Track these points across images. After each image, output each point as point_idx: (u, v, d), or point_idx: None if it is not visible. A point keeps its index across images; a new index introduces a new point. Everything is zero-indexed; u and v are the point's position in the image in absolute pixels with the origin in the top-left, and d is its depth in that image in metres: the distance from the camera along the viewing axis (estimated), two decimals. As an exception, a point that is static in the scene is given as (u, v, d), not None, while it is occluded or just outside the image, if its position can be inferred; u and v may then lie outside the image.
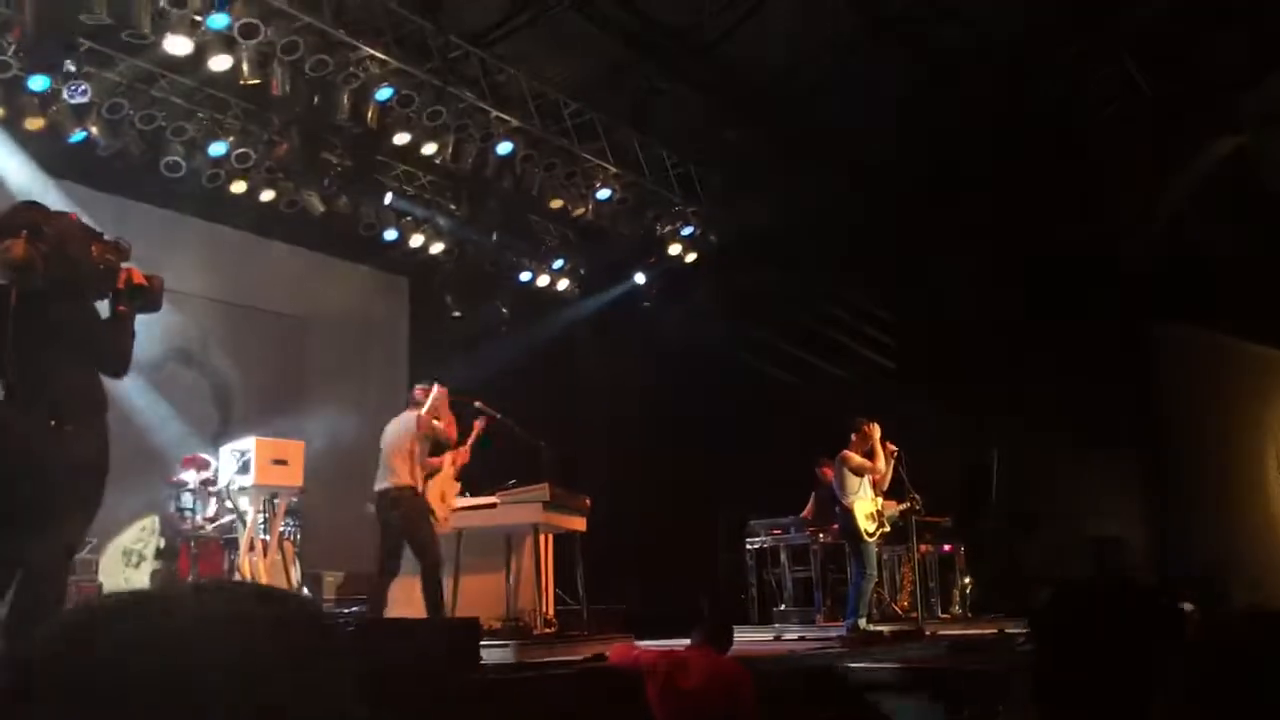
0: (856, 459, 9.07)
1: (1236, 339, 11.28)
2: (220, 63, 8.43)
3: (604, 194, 11.19)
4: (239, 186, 10.03)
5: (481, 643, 6.15)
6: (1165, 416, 10.71)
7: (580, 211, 11.22)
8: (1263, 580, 10.59)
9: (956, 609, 11.42)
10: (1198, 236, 10.86)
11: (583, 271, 12.86)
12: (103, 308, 4.24)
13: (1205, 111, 10.52)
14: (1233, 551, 10.37)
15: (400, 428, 7.50)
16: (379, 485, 7.43)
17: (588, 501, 8.32)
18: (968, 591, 11.52)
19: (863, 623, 8.83)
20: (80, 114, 8.82)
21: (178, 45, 8.11)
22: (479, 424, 7.88)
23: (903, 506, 9.33)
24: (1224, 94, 10.35)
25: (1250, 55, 9.92)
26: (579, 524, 8.26)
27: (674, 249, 12.22)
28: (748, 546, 11.67)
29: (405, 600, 7.32)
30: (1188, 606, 7.41)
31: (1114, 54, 10.34)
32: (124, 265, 4.16)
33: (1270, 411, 11.74)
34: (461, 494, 8.18)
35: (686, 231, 12.02)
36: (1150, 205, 10.77)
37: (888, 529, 9.20)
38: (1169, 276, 10.65)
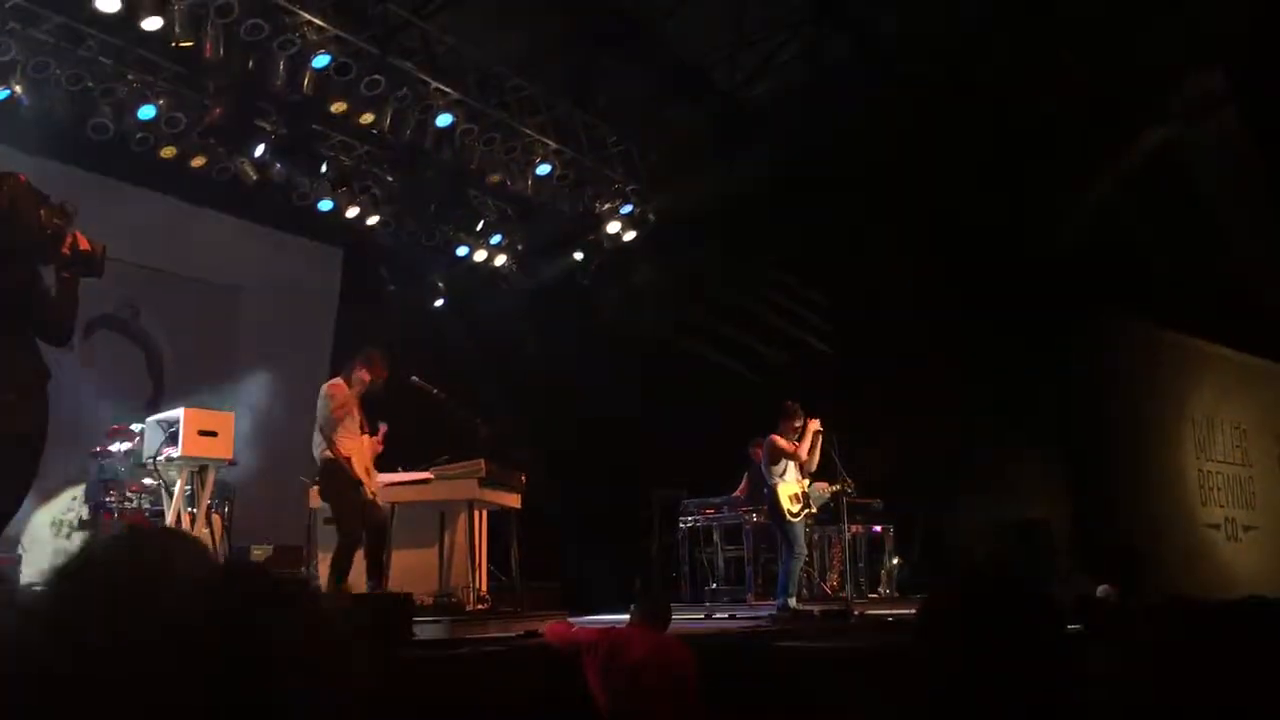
0: (781, 442, 9.16)
1: (1159, 327, 11.55)
2: (151, 23, 8.20)
3: (544, 170, 11.11)
4: (169, 151, 9.79)
5: (414, 618, 6.11)
6: (1091, 401, 10.95)
7: (519, 187, 11.13)
8: (1179, 564, 10.90)
9: (884, 589, 11.60)
10: (1125, 226, 11.09)
11: (520, 248, 12.77)
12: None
13: (1136, 103, 10.72)
14: (1151, 535, 10.65)
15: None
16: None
17: (523, 478, 8.29)
18: (895, 572, 11.70)
19: (793, 602, 8.93)
20: (4, 72, 8.53)
21: (107, 3, 7.87)
22: (383, 429, 7.74)
23: (834, 488, 9.43)
24: (1155, 86, 10.55)
25: (1181, 49, 10.11)
26: (514, 500, 8.23)
27: (613, 227, 12.19)
28: (680, 525, 11.73)
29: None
30: (1104, 589, 7.56)
31: (1050, 44, 10.47)
32: (70, 230, 4.04)
33: (1189, 399, 12.05)
34: (395, 469, 8.10)
35: (626, 210, 11.99)
36: (1081, 195, 10.97)
37: (813, 510, 9.31)
38: (1097, 265, 10.87)
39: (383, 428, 7.74)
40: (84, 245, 4.05)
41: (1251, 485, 12.63)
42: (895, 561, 11.73)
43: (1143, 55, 10.22)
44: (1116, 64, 10.34)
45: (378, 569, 7.19)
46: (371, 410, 7.76)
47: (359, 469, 7.28)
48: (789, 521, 9.00)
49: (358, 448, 7.34)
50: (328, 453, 7.22)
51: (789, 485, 9.07)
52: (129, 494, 8.32)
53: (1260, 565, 12.15)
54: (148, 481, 8.03)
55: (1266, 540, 12.58)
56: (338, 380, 7.42)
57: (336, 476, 7.21)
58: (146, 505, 7.97)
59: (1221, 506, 12.10)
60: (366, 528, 7.15)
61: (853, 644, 6.42)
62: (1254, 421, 12.88)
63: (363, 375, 7.39)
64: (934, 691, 1.68)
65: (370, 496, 7.33)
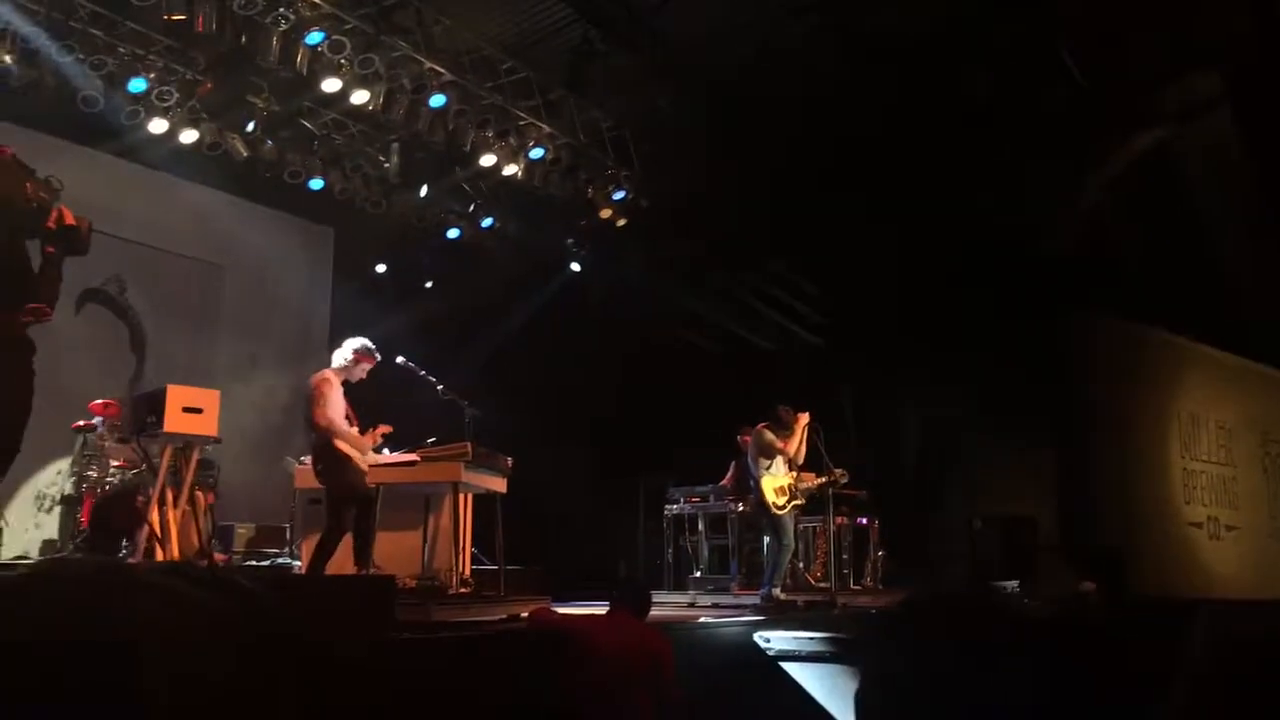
0: (770, 436, 9.17)
1: (1146, 325, 11.56)
2: (144, -5, 8.14)
3: (537, 153, 11.07)
4: (159, 125, 9.72)
5: (396, 601, 6.08)
6: (1079, 399, 10.95)
7: (512, 170, 11.09)
8: (1162, 562, 10.94)
9: (868, 581, 11.62)
10: (1116, 225, 11.09)
11: (511, 231, 12.73)
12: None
13: (1129, 104, 10.70)
14: (1134, 533, 10.68)
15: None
16: None
17: (509, 462, 8.25)
18: (880, 564, 11.72)
19: (777, 592, 8.94)
20: (-7, 43, 8.46)
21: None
22: (382, 429, 7.67)
23: (821, 480, 9.42)
24: (1147, 87, 10.53)
25: (1176, 50, 10.09)
26: (500, 484, 8.19)
27: (604, 213, 12.15)
28: (666, 513, 11.72)
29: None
30: (1087, 585, 7.61)
31: (1045, 42, 10.43)
32: (55, 205, 4.01)
33: (1175, 398, 12.07)
34: (380, 450, 8.06)
35: (618, 196, 11.96)
36: (1073, 194, 10.96)
37: (801, 501, 9.30)
38: (1087, 263, 10.87)
39: (383, 427, 7.65)
40: (69, 220, 4.01)
41: (1235, 485, 12.67)
42: (880, 554, 11.75)
43: (1137, 56, 10.20)
44: (1111, 64, 10.32)
45: (366, 552, 7.14)
46: (361, 391, 7.72)
47: (355, 455, 7.23)
48: (775, 514, 9.01)
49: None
50: (319, 439, 7.17)
51: (775, 478, 9.07)
52: (113, 469, 8.28)
53: (1241, 565, 12.20)
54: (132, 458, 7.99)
55: (1248, 540, 12.64)
56: (326, 372, 7.35)
57: (332, 460, 7.15)
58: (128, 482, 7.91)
59: (1205, 505, 12.13)
60: (357, 509, 7.10)
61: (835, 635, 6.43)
62: (1238, 422, 12.91)
63: (354, 368, 7.35)
64: (867, 694, 1.69)
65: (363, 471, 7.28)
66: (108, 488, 8.14)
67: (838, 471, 9.39)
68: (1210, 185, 10.99)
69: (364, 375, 7.43)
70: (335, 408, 7.17)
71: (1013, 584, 9.05)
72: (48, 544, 8.31)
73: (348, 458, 7.15)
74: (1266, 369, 13.07)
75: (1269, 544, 12.91)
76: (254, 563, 9.34)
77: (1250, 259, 11.27)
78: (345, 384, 7.33)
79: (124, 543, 7.68)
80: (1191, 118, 10.71)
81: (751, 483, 9.28)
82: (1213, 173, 10.91)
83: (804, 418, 9.25)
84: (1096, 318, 10.81)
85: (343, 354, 7.41)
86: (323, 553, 6.93)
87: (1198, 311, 11.35)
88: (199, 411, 7.10)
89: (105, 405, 8.39)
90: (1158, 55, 10.11)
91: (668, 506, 11.71)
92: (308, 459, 7.93)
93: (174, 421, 6.97)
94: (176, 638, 0.87)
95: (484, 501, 8.49)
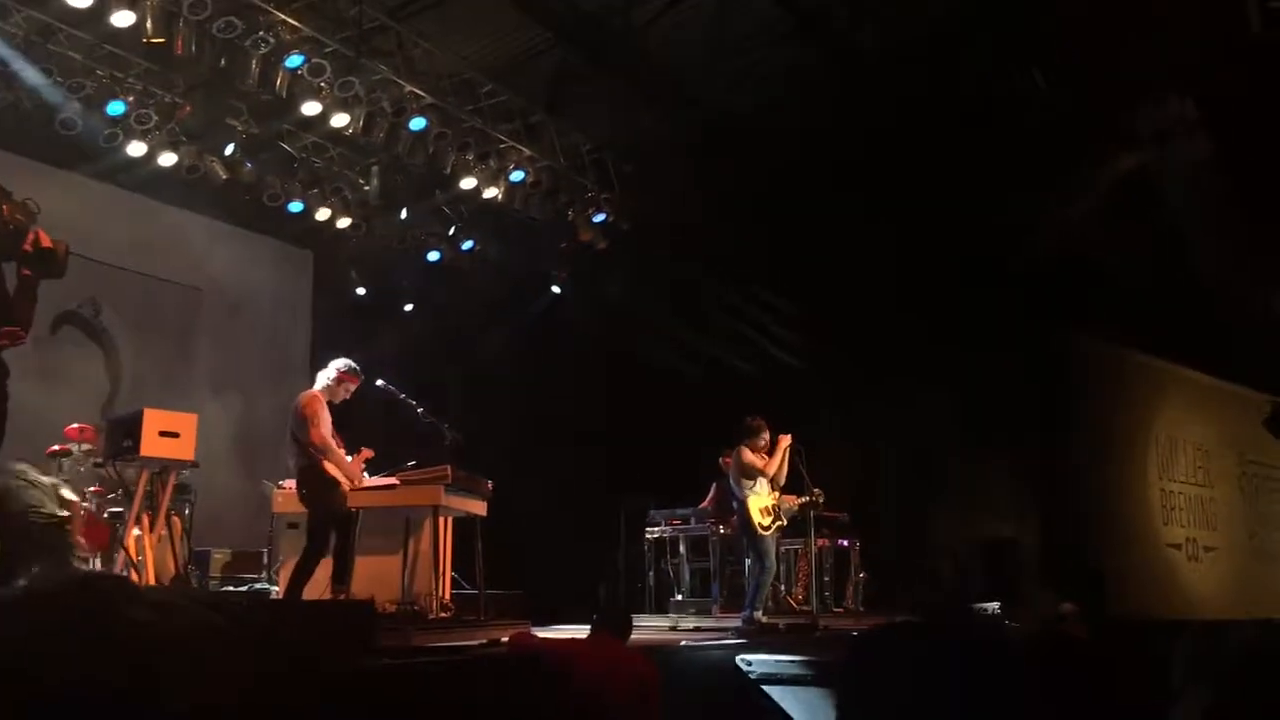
0: (750, 456, 9.12)
1: (1125, 348, 11.64)
2: (123, 18, 8.12)
3: (517, 176, 11.08)
4: (137, 148, 9.69)
5: (376, 626, 6.03)
6: (1059, 420, 11.01)
7: (493, 193, 11.10)
8: (1141, 583, 10.98)
9: (850, 603, 11.59)
10: (1095, 246, 11.16)
11: (492, 253, 12.73)
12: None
13: (1109, 125, 10.78)
14: (1114, 554, 10.72)
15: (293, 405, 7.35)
16: None
17: (489, 485, 8.22)
18: (862, 586, 11.70)
19: (759, 615, 8.90)
20: (-30, 64, 8.43)
21: (79, -2, 7.78)
22: (366, 453, 7.68)
23: (802, 500, 9.41)
24: (1126, 109, 10.61)
25: (1154, 73, 10.18)
26: (480, 508, 8.16)
27: (585, 235, 12.17)
28: (647, 535, 11.67)
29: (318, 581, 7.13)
30: (1067, 607, 7.60)
31: (1022, 62, 10.50)
32: (32, 227, 3.98)
33: (1153, 419, 12.15)
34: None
35: (599, 218, 11.98)
36: (1054, 213, 11.02)
37: (784, 523, 9.27)
38: (1067, 284, 10.93)
39: (366, 452, 7.66)
40: (46, 243, 3.99)
41: (1213, 506, 12.76)
42: (862, 576, 11.73)
43: (1117, 77, 10.28)
44: (1090, 85, 10.40)
45: (345, 574, 7.11)
46: (340, 414, 7.70)
47: (341, 476, 7.22)
48: (759, 535, 8.96)
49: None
50: (306, 461, 7.15)
51: (760, 498, 9.02)
52: (89, 495, 8.18)
53: (1220, 586, 12.27)
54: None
55: (1226, 560, 12.71)
56: (314, 391, 7.35)
57: (318, 482, 7.12)
58: (104, 507, 7.82)
59: (1183, 526, 12.20)
60: (337, 532, 7.09)
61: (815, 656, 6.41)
62: (1215, 442, 13.01)
63: (338, 388, 7.37)
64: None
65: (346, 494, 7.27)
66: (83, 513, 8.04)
67: (816, 491, 9.37)
68: (1189, 203, 11.07)
69: (348, 395, 7.45)
70: (328, 428, 7.17)
71: (994, 605, 9.06)
72: (21, 569, 8.20)
73: (335, 480, 7.13)
74: (1242, 389, 13.18)
75: (1247, 563, 12.99)
76: (231, 588, 9.25)
77: (1228, 280, 11.35)
78: (329, 405, 7.32)
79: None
80: (1169, 140, 10.79)
81: (735, 504, 9.25)
82: (1191, 191, 10.99)
83: (785, 440, 9.22)
84: (1078, 339, 10.88)
85: (327, 374, 7.42)
86: (302, 575, 6.89)
87: (1176, 332, 11.41)
88: (176, 435, 7.05)
89: (81, 429, 8.30)
90: (1147, 63, 10.14)
91: (649, 529, 11.66)
92: (287, 483, 7.90)
93: (151, 445, 6.92)
94: (179, 652, 0.85)
95: (464, 525, 8.45)
